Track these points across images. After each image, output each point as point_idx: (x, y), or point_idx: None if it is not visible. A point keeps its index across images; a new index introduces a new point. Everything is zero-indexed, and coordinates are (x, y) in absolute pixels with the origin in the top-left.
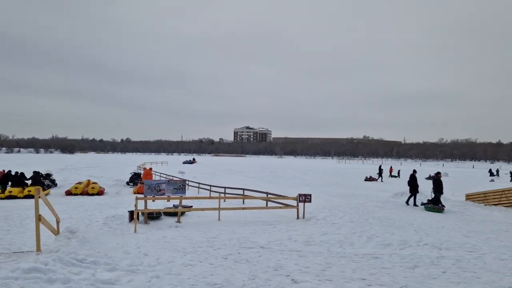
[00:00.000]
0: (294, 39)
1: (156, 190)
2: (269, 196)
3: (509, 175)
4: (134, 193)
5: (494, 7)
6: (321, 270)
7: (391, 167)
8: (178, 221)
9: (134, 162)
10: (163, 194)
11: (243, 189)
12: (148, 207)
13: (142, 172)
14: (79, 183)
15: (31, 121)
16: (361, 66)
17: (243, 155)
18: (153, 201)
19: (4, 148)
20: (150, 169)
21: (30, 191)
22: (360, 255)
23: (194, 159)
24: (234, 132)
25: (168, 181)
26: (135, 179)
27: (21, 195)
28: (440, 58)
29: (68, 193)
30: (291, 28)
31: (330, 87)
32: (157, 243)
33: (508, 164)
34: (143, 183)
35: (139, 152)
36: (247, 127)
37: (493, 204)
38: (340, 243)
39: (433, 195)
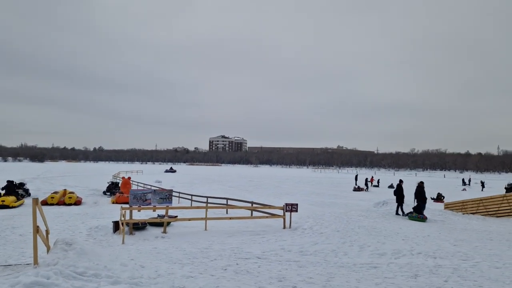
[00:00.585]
0: (269, 49)
1: (142, 199)
2: (255, 205)
3: (480, 184)
4: (113, 202)
5: (462, 21)
6: (325, 280)
7: (372, 177)
8: (164, 232)
9: (108, 171)
10: (149, 204)
11: (227, 199)
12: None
13: (120, 181)
14: (55, 192)
15: (1, 129)
16: (334, 77)
17: (219, 164)
18: (139, 211)
19: None
20: (129, 178)
21: (4, 200)
22: (358, 265)
23: (171, 168)
24: (210, 141)
25: (154, 190)
26: (112, 188)
27: None
28: (410, 70)
29: (44, 203)
30: (266, 38)
31: (304, 97)
32: (150, 255)
33: (476, 173)
34: (121, 193)
35: (112, 161)
36: (223, 136)
37: (471, 213)
38: (334, 252)
39: (415, 204)
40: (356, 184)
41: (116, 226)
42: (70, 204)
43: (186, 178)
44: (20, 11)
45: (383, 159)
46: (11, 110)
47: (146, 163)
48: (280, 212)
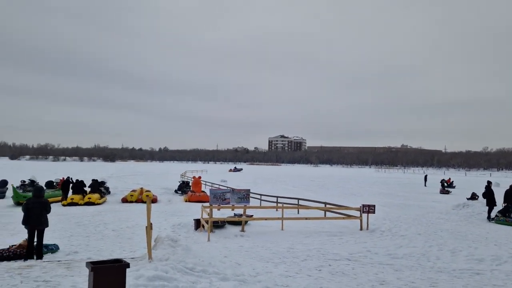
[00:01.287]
0: (327, 47)
1: (222, 199)
2: (328, 206)
3: None
4: (186, 201)
5: None
6: (429, 285)
7: (449, 178)
8: (243, 230)
9: (175, 170)
10: (228, 203)
11: (298, 199)
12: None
13: (190, 180)
14: (134, 191)
15: (75, 131)
16: (396, 73)
17: (279, 164)
18: (218, 209)
19: (51, 157)
20: (199, 177)
21: (90, 198)
22: (458, 271)
23: (236, 167)
24: (269, 141)
25: (232, 190)
26: (183, 187)
27: (81, 202)
28: (480, 65)
29: (124, 200)
30: (323, 36)
31: (365, 95)
32: (239, 252)
33: None
34: (193, 192)
35: (176, 160)
36: (282, 136)
37: None
38: (425, 257)
39: (503, 207)
40: (425, 185)
41: (198, 223)
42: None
43: (249, 178)
44: (97, 21)
45: (452, 158)
46: (86, 114)
47: (208, 163)
48: (355, 213)
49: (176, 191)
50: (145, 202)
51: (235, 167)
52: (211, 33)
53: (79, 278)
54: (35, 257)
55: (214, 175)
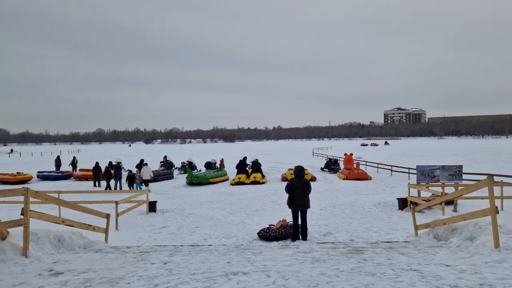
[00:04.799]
0: (444, 4)
1: (430, 176)
2: None
3: None
4: (344, 179)
5: None
6: None
7: None
8: (455, 210)
9: (297, 148)
10: (437, 180)
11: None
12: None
13: (337, 158)
14: (290, 169)
15: (197, 115)
16: None
17: (398, 137)
18: (427, 188)
19: (178, 140)
20: (351, 154)
21: (255, 177)
22: None
23: (373, 143)
24: (384, 114)
25: (442, 166)
26: (330, 165)
27: (247, 181)
28: None
29: (284, 178)
30: None
31: (490, 58)
32: None
33: None
34: (348, 169)
35: (290, 138)
36: (398, 108)
37: None
38: None
39: None
40: None
41: (403, 203)
42: None
43: (383, 153)
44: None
45: None
46: (205, 98)
47: (323, 139)
48: None
49: (322, 169)
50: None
51: (372, 143)
52: (316, 8)
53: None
54: (300, 237)
55: (341, 151)
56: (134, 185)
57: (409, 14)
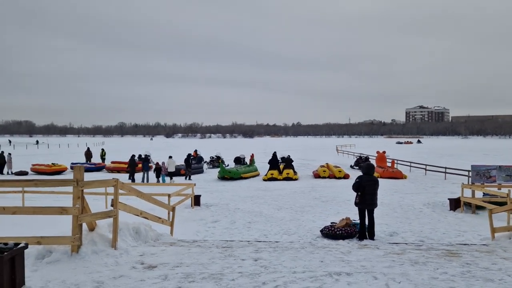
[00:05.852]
0: (470, 2)
1: (486, 176)
2: None
3: None
4: (379, 177)
5: None
6: None
7: None
8: None
9: (321, 145)
10: (493, 181)
11: None
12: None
13: (367, 156)
14: (322, 166)
15: (216, 110)
16: None
17: (420, 136)
18: (483, 188)
19: (198, 134)
20: (384, 152)
21: (288, 173)
22: None
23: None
24: (406, 112)
25: (499, 166)
26: (361, 162)
27: (280, 177)
28: None
29: (317, 175)
30: None
31: None
32: None
33: None
34: (381, 167)
35: (309, 135)
36: (421, 106)
37: None
38: None
39: None
40: None
41: (456, 203)
42: (339, 178)
43: (410, 152)
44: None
45: None
46: (225, 93)
47: (342, 137)
48: None
49: (352, 166)
50: (337, 178)
51: (406, 141)
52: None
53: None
54: (367, 236)
55: (367, 149)
56: (160, 176)
57: (433, 10)
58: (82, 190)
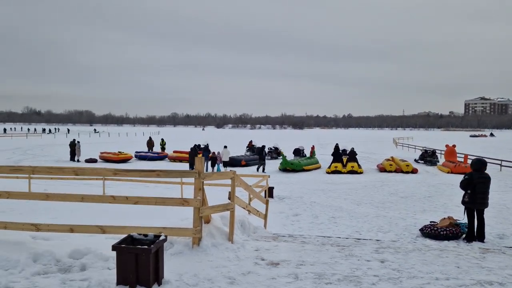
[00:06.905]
0: None
1: None
2: None
3: None
4: (448, 172)
5: None
6: None
7: None
8: None
9: (375, 137)
10: None
11: None
12: None
13: (436, 150)
14: (387, 160)
15: (266, 102)
16: None
17: (481, 129)
18: None
19: (248, 125)
20: (454, 146)
21: (353, 166)
22: None
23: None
24: (465, 104)
25: None
26: (426, 156)
27: (344, 170)
28: None
29: (382, 169)
30: None
31: None
32: None
33: None
34: (452, 162)
35: (361, 127)
36: (481, 98)
37: None
38: None
39: None
40: None
41: None
42: (407, 172)
43: (474, 146)
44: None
45: None
46: (274, 85)
47: (396, 129)
48: None
49: (416, 160)
50: (404, 172)
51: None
52: None
53: None
54: (475, 238)
55: (425, 142)
56: (216, 165)
57: None
58: (203, 182)
